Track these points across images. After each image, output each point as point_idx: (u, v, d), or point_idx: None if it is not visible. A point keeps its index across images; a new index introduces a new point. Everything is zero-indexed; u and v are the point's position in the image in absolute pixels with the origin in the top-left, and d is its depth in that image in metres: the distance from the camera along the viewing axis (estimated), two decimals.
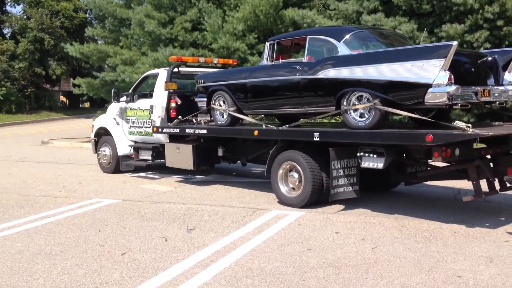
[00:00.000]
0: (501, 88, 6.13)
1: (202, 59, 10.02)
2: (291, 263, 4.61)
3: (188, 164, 8.71)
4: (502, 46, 11.89)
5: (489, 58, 6.20)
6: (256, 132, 7.36)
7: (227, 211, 6.79)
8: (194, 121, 9.20)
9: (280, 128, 7.09)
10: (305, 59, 6.86)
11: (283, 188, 7.06)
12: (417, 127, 6.58)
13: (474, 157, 5.77)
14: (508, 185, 6.12)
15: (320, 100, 6.68)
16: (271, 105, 7.48)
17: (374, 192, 7.57)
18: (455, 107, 5.79)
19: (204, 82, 8.63)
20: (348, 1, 14.83)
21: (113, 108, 10.87)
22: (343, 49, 6.42)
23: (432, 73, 5.40)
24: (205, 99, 8.52)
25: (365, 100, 6.13)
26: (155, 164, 9.92)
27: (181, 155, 8.84)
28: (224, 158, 9.12)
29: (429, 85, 5.44)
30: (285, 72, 7.09)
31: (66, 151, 16.00)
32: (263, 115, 8.99)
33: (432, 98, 5.45)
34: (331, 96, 6.47)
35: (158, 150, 9.77)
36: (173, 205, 7.23)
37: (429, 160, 6.67)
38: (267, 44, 7.47)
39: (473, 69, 6.07)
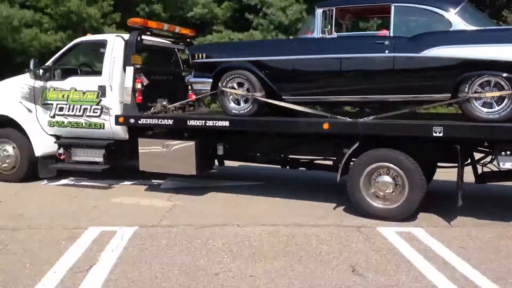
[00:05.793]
0: None
1: (166, 26, 7.48)
2: None
3: (188, 168, 6.29)
4: None
5: None
6: (326, 125, 5.56)
7: (326, 232, 4.90)
8: (160, 107, 6.81)
9: (366, 120, 5.44)
10: (391, 32, 5.45)
11: (372, 198, 5.47)
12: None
13: None
14: None
15: (425, 85, 5.33)
16: (336, 90, 5.75)
17: None
18: None
19: (206, 57, 6.35)
20: None
21: (13, 86, 7.43)
22: (458, 23, 5.22)
23: None
24: (208, 80, 6.28)
25: (493, 87, 5.05)
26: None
27: (173, 156, 6.32)
28: (224, 158, 6.95)
29: None
30: (364, 48, 5.55)
31: None
32: None
33: None
34: (445, 81, 5.20)
35: (111, 149, 6.98)
36: (230, 229, 4.97)
37: None
38: (319, 11, 5.73)
39: None
